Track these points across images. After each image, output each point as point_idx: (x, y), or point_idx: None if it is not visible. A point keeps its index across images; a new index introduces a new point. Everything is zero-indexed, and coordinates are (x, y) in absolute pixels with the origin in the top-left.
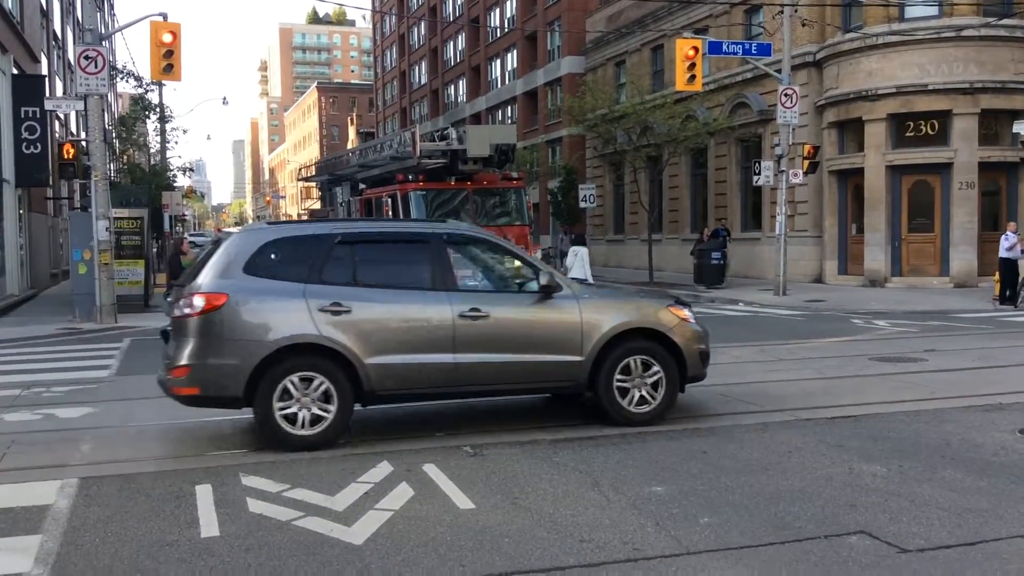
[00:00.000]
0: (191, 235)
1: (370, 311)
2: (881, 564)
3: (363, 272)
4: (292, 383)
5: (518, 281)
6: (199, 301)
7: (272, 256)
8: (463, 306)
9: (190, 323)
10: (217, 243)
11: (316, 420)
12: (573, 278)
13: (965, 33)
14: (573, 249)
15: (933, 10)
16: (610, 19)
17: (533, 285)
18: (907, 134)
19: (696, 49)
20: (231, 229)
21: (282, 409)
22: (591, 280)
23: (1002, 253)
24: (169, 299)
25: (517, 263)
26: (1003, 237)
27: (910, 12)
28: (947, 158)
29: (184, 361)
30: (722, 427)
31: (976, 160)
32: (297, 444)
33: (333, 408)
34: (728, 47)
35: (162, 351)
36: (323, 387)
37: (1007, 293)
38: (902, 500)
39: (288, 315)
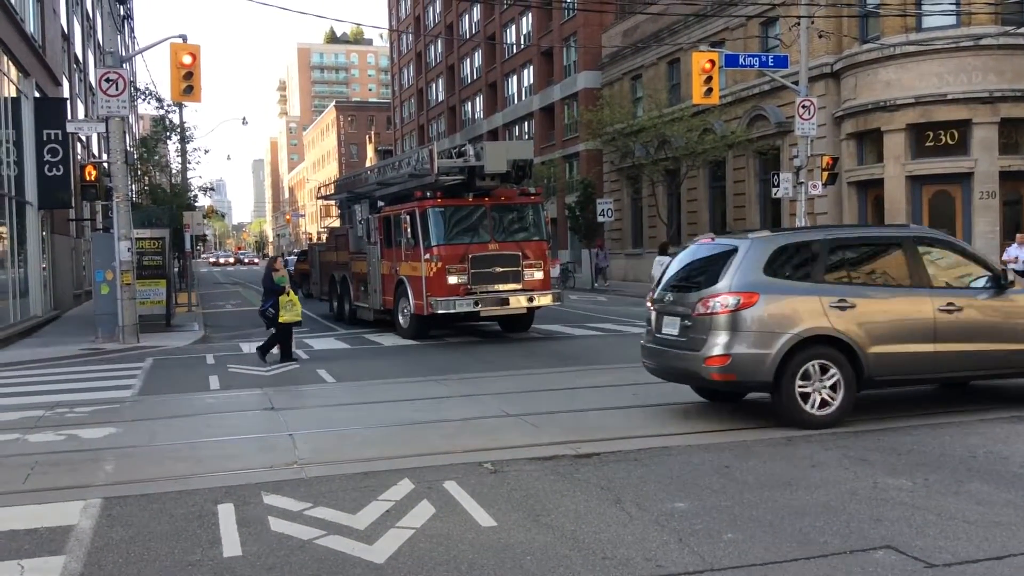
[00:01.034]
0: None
1: (869, 306)
2: None
3: (855, 272)
4: (809, 370)
5: (973, 277)
6: (731, 300)
7: (783, 259)
8: (940, 300)
9: (722, 319)
10: (731, 251)
11: (825, 403)
12: None
13: (984, 42)
14: (659, 259)
15: (951, 20)
16: (626, 34)
17: (981, 281)
18: (926, 144)
19: (713, 62)
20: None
21: (801, 392)
22: None
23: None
24: (653, 304)
25: (972, 261)
26: (1006, 252)
27: (928, 22)
28: (967, 168)
29: (721, 351)
30: (744, 441)
31: (997, 169)
32: (813, 424)
33: (841, 392)
34: (745, 60)
35: (653, 346)
36: (832, 373)
37: None
38: (928, 514)
39: (806, 310)
